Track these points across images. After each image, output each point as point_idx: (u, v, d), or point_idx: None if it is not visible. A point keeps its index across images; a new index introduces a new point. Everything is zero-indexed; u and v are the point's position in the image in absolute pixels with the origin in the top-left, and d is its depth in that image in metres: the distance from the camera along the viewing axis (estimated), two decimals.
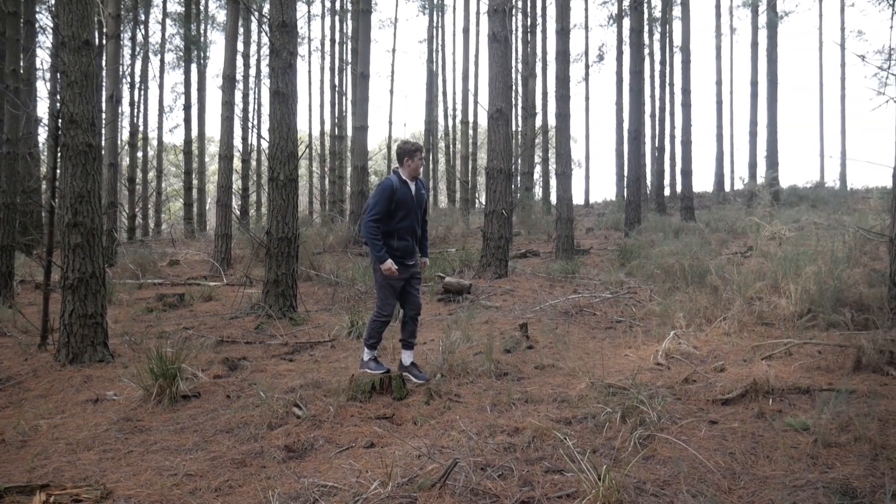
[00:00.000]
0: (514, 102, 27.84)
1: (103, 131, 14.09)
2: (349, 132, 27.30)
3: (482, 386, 5.85)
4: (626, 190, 19.12)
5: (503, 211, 11.92)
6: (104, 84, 16.00)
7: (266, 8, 19.24)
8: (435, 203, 33.94)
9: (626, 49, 26.39)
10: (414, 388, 5.75)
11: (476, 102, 29.11)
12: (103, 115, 14.77)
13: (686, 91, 20.34)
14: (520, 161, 23.91)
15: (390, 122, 33.84)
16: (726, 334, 7.17)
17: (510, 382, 6.00)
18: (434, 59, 31.68)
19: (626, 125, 24.73)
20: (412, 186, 5.66)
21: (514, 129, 28.07)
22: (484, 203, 12.37)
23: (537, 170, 29.54)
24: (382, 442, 4.61)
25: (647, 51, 29.93)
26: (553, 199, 45.77)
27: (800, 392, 5.09)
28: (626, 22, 26.96)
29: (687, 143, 20.44)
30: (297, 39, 9.03)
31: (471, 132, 30.29)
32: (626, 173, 21.63)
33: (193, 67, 27.90)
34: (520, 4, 25.95)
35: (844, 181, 31.76)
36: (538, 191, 29.02)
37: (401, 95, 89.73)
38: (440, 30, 32.55)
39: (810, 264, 8.03)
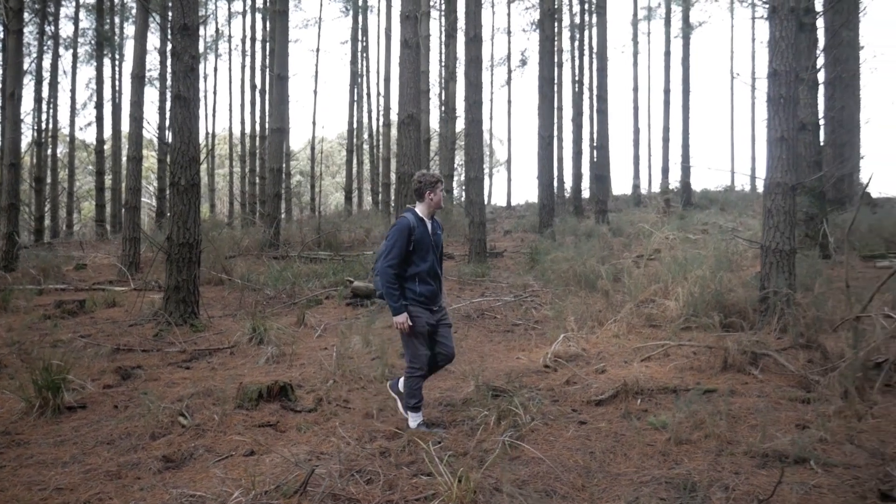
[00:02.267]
0: (439, 103, 28.14)
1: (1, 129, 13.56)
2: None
3: (373, 391, 5.96)
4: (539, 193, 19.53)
5: None
6: (5, 80, 15.39)
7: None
8: (360, 205, 33.83)
9: (561, 55, 27.10)
10: (305, 397, 5.80)
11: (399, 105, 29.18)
12: None
13: (601, 97, 20.92)
14: (439, 164, 24.15)
15: (314, 123, 33.68)
16: (615, 336, 7.48)
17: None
18: (358, 61, 31.64)
19: None
20: (429, 225, 4.98)
21: (437, 131, 28.34)
22: (395, 207, 12.47)
23: (462, 172, 29.87)
24: (263, 450, 4.66)
25: (567, 56, 30.71)
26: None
27: (668, 392, 5.40)
28: (561, 25, 27.61)
29: (601, 148, 21.02)
30: (199, 42, 8.96)
31: (393, 134, 30.37)
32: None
33: (107, 63, 27.08)
34: (443, 8, 26.20)
35: (754, 184, 33.23)
36: (461, 193, 29.37)
37: (326, 96, 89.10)
38: (364, 31, 32.52)
39: (698, 269, 8.45)
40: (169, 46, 27.40)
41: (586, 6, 25.43)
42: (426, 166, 18.92)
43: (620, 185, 52.99)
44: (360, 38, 31.62)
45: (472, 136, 14.32)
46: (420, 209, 5.00)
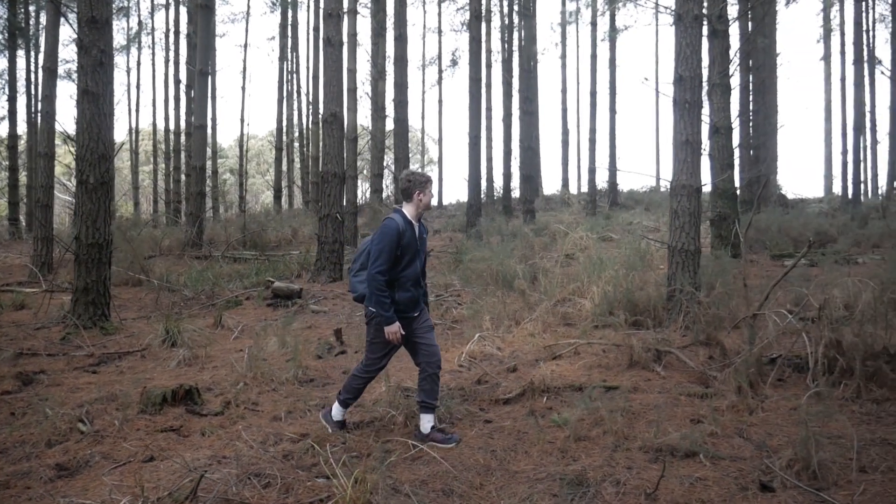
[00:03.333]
0: (372, 100, 27.97)
1: None
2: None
3: (284, 393, 5.90)
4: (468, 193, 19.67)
5: (337, 215, 11.98)
6: None
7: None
8: (290, 205, 33.34)
9: (490, 56, 27.24)
10: (213, 400, 5.68)
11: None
12: None
13: (527, 98, 21.20)
14: (370, 162, 24.03)
15: (242, 120, 32.92)
16: (531, 335, 7.59)
17: (313, 389, 6.10)
18: (288, 57, 31.18)
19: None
20: (416, 228, 4.70)
21: (369, 129, 28.17)
22: (319, 206, 12.36)
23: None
24: (163, 455, 4.55)
25: (497, 57, 30.97)
26: None
27: (573, 389, 5.51)
28: (489, 27, 27.78)
29: (528, 149, 21.30)
30: (121, 35, 8.66)
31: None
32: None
33: (21, 54, 25.92)
34: (370, 6, 26.04)
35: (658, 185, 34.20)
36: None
37: (255, 93, 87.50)
38: (294, 27, 32.05)
39: (612, 269, 8.66)
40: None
41: (515, 8, 25.65)
42: (352, 165, 18.80)
43: (553, 185, 53.80)
44: (289, 34, 31.15)
45: (399, 136, 14.32)
46: (408, 210, 4.68)
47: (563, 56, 31.93)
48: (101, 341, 8.19)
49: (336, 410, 4.85)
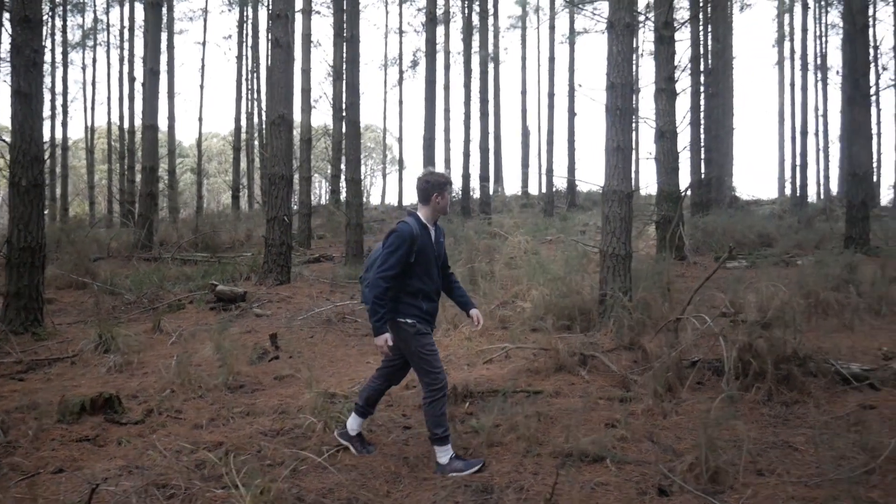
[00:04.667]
0: (332, 102, 27.77)
1: None
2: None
3: (210, 400, 5.85)
4: None
5: (285, 217, 11.91)
6: None
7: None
8: (249, 206, 33.01)
9: (440, 57, 27.23)
10: (136, 408, 5.60)
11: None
12: None
13: (484, 100, 21.31)
14: (330, 164, 23.92)
15: (200, 119, 32.73)
16: (467, 339, 7.63)
17: (241, 395, 6.07)
18: (246, 55, 30.86)
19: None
20: (432, 232, 4.40)
21: (330, 130, 27.98)
22: (266, 209, 12.28)
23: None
24: (75, 466, 4.49)
25: (458, 59, 31.02)
26: (375, 200, 45.91)
27: (497, 394, 5.55)
28: (440, 30, 27.79)
29: (485, 151, 21.41)
30: (43, 36, 8.53)
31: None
32: None
33: None
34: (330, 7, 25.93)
35: (637, 186, 34.63)
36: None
37: (215, 91, 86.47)
38: (254, 25, 31.70)
39: (552, 272, 8.74)
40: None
41: (475, 9, 25.75)
42: (305, 167, 18.72)
43: (515, 185, 54.02)
44: (248, 31, 30.86)
45: (350, 138, 14.27)
46: (423, 213, 4.38)
47: (524, 58, 32.11)
48: (32, 347, 8.04)
49: (442, 453, 4.20)
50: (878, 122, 29.95)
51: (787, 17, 34.92)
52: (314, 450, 4.49)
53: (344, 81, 14.07)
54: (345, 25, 14.95)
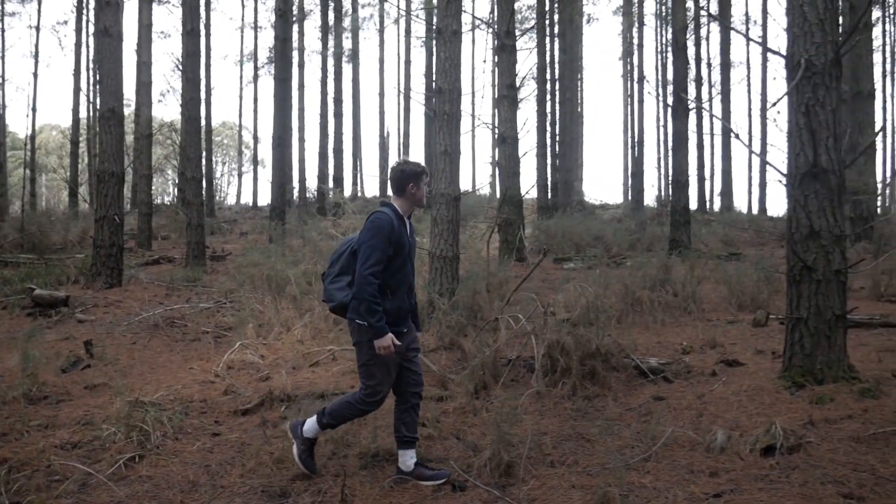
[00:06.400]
0: (178, 98, 26.53)
1: None
2: None
3: (6, 413, 5.43)
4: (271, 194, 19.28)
5: (115, 216, 11.27)
6: None
7: None
8: (91, 204, 30.91)
9: (295, 55, 26.74)
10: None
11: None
12: None
13: (338, 101, 21.16)
14: (177, 161, 22.88)
15: (34, 109, 30.13)
16: (299, 342, 7.52)
17: (43, 407, 5.67)
18: (88, 44, 28.90)
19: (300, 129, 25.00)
20: (407, 225, 4.06)
21: (174, 126, 26.73)
22: (96, 208, 11.56)
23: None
24: None
25: (316, 58, 30.60)
26: (231, 200, 44.43)
27: (316, 397, 5.51)
28: (296, 27, 27.25)
29: (339, 152, 21.28)
30: None
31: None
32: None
33: None
34: None
35: (497, 188, 35.55)
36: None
37: (56, 80, 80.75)
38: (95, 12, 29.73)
39: None
40: None
41: (330, 8, 25.48)
42: (146, 164, 17.83)
43: (375, 187, 53.99)
44: (90, 19, 28.91)
45: (190, 135, 13.74)
46: (398, 204, 4.03)
47: (381, 60, 32.20)
48: None
49: (310, 426, 4.05)
50: (711, 133, 32.37)
51: (634, 31, 37.15)
52: (110, 461, 4.28)
53: (184, 76, 13.51)
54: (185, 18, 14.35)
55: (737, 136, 5.50)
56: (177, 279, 12.00)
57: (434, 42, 7.38)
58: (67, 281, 12.19)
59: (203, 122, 27.00)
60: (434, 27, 7.26)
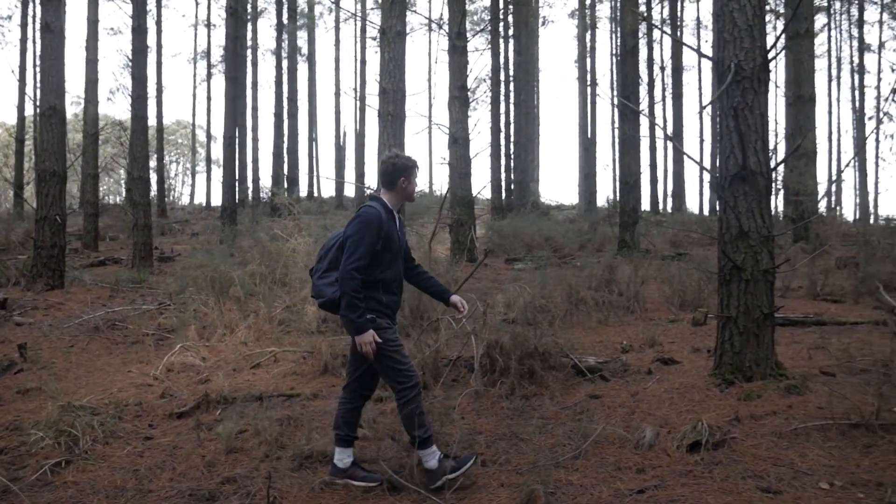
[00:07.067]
0: (128, 96, 25.99)
1: None
2: None
3: None
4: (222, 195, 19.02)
5: (57, 217, 11.01)
6: None
7: None
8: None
9: (249, 54, 26.43)
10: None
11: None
12: None
13: (292, 100, 21.00)
14: (127, 161, 22.42)
15: None
16: (243, 344, 7.44)
17: None
18: (34, 39, 28.13)
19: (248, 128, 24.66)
20: (397, 220, 4.01)
21: (123, 124, 26.17)
22: (37, 208, 11.27)
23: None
24: None
25: (270, 57, 30.28)
26: (185, 200, 43.75)
27: (254, 399, 5.47)
28: (250, 25, 26.91)
29: (293, 152, 21.11)
30: None
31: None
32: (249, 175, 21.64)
33: None
34: None
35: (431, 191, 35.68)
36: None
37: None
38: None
39: None
40: None
41: (284, 7, 25.23)
42: (92, 163, 17.46)
43: (331, 187, 53.62)
44: (36, 14, 28.16)
45: (137, 133, 13.49)
46: (388, 199, 3.96)
47: (337, 59, 32.01)
48: None
49: (429, 457, 3.87)
50: (665, 135, 32.87)
51: (588, 35, 37.56)
52: (35, 467, 4.18)
53: (131, 73, 13.26)
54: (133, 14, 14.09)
55: (670, 139, 5.67)
56: (122, 281, 11.78)
57: (378, 43, 7.36)
58: (7, 283, 11.87)
59: (154, 121, 26.59)
60: (379, 28, 7.25)
